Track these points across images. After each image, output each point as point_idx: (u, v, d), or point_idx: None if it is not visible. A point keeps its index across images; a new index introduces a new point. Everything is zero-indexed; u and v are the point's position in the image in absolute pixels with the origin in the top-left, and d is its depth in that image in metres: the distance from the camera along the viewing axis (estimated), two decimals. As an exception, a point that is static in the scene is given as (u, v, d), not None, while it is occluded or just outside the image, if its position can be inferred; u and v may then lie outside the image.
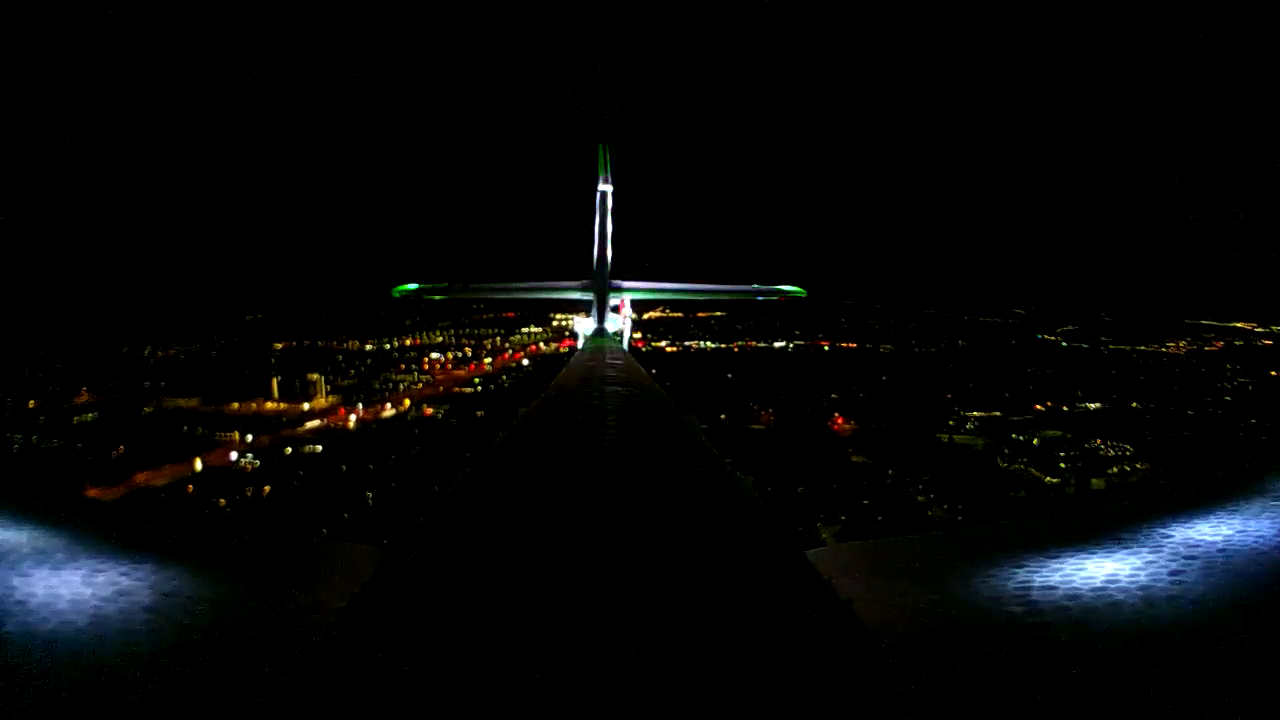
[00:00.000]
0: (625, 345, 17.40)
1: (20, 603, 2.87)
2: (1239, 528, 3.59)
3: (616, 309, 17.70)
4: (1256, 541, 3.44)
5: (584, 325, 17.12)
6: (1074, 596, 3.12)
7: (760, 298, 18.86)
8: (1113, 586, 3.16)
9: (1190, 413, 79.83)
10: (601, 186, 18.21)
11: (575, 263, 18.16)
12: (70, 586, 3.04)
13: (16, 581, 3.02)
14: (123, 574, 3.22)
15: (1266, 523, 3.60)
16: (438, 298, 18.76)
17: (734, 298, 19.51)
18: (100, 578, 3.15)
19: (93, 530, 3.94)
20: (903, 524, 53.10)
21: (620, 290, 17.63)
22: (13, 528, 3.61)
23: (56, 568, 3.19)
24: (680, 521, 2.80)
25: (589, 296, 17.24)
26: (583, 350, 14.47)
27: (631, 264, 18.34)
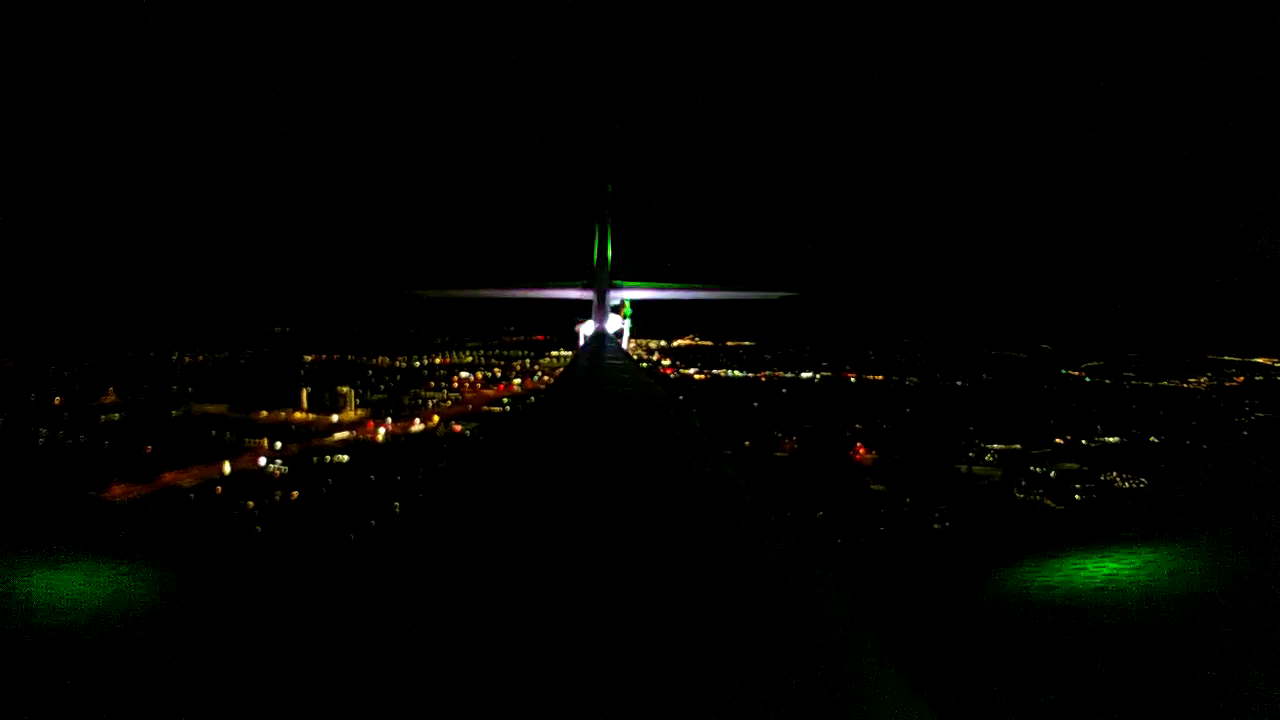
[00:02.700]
0: (625, 345, 17.76)
1: (20, 603, 2.94)
2: (1239, 528, 3.67)
3: (616, 309, 18.06)
4: (1256, 541, 3.51)
5: (584, 325, 17.48)
6: (1074, 596, 3.18)
7: (759, 298, 19.41)
8: (1113, 586, 3.20)
9: (1205, 447, 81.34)
10: (601, 187, 18.60)
11: (575, 263, 18.59)
12: (70, 586, 3.10)
13: (17, 581, 3.08)
14: (123, 574, 3.30)
15: (1266, 522, 3.70)
16: (439, 296, 19.36)
17: (732, 298, 19.91)
18: (101, 578, 3.22)
19: (94, 530, 4.04)
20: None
21: (620, 290, 17.96)
22: (13, 528, 3.69)
23: (57, 568, 3.25)
24: (680, 521, 2.84)
25: (589, 296, 17.64)
26: (583, 350, 14.47)
27: (631, 264, 18.73)
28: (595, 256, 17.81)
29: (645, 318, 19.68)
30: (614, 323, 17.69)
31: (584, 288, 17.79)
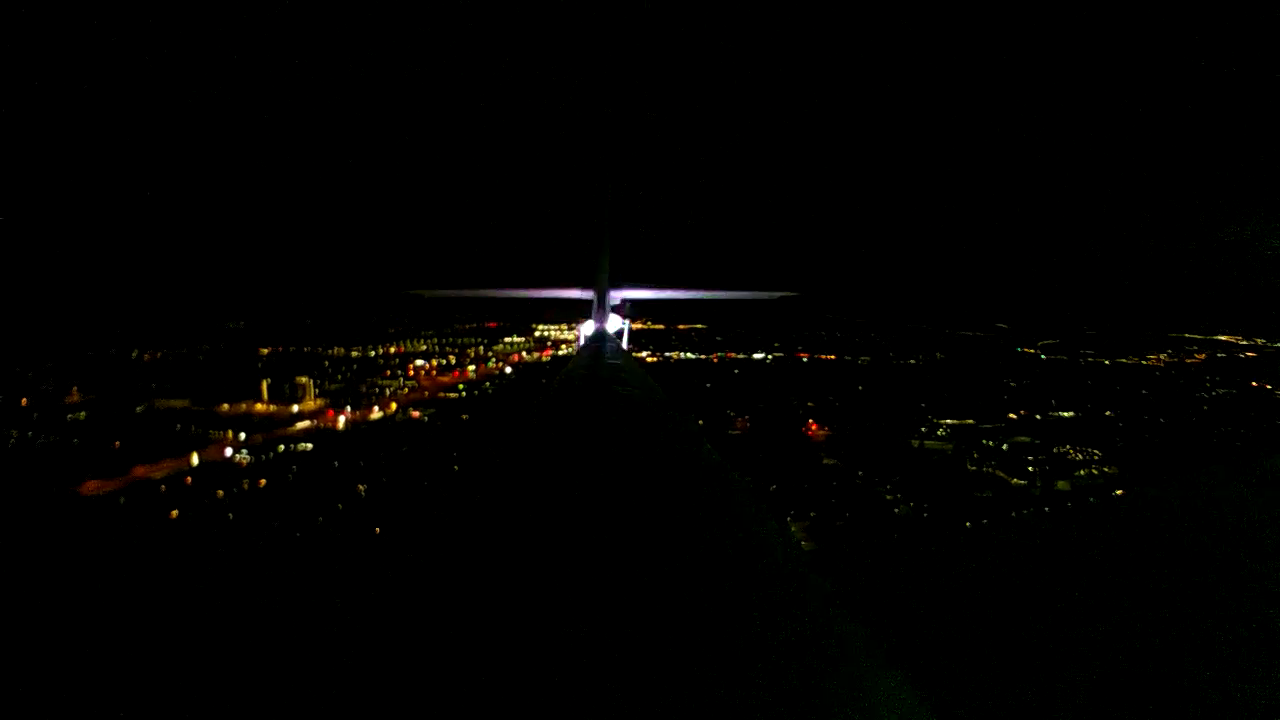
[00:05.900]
0: (625, 345, 17.85)
1: (20, 603, 3.57)
2: (1239, 527, 3.80)
3: (617, 309, 18.41)
4: (1257, 541, 3.62)
5: (584, 325, 17.90)
6: (1075, 597, 3.23)
7: (760, 300, 20.02)
8: (1114, 587, 3.28)
9: (1162, 420, 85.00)
10: (603, 187, 18.99)
11: (575, 263, 18.79)
12: (69, 586, 3.78)
13: (16, 581, 3.73)
14: (122, 574, 4.11)
15: (1266, 522, 3.84)
16: (439, 296, 19.67)
17: (734, 299, 20.17)
18: (98, 578, 3.97)
19: (91, 530, 4.98)
20: (868, 520, 59.25)
21: (621, 290, 18.35)
22: (11, 527, 4.43)
23: (56, 567, 4.02)
24: (680, 521, 2.87)
25: (589, 297, 18.02)
26: (583, 350, 14.87)
27: (631, 264, 19.06)
28: (595, 257, 18.24)
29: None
30: (614, 323, 18.08)
31: (584, 288, 18.21)
